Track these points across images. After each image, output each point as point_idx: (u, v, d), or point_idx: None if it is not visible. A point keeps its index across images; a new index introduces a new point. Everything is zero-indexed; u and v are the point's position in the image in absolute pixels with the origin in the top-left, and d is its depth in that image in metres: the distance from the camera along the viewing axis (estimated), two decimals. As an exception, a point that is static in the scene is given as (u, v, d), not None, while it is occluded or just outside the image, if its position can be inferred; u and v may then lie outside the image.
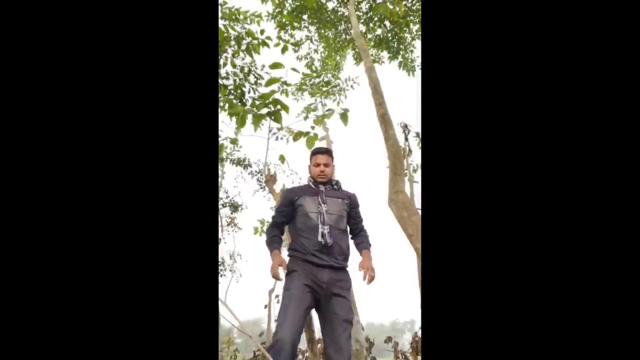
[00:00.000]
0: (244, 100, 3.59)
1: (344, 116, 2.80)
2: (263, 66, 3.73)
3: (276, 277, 1.88)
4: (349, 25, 6.94)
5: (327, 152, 2.14)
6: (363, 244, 2.09)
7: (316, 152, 2.14)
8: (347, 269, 1.99)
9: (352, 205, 2.10)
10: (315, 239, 1.88)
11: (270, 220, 2.24)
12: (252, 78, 3.66)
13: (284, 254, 2.01)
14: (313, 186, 2.07)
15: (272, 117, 2.63)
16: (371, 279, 1.92)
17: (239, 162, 7.87)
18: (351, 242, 2.09)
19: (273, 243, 2.03)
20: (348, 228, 2.09)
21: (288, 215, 2.06)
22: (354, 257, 2.03)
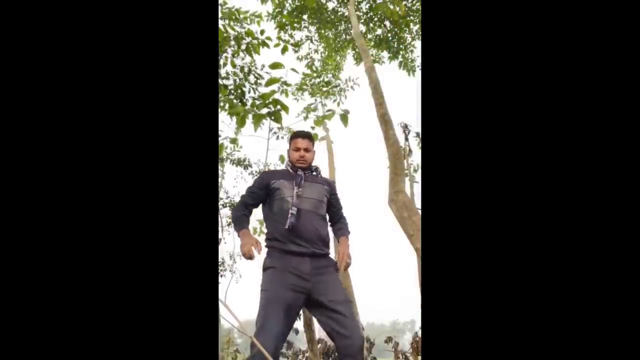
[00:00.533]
0: (244, 101, 3.60)
1: (344, 117, 2.80)
2: (263, 66, 3.73)
3: (249, 255, 1.72)
4: (349, 25, 6.95)
5: (308, 136, 2.01)
6: (342, 231, 2.01)
7: (296, 136, 2.01)
8: (330, 256, 1.88)
9: (331, 192, 2.01)
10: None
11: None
12: (252, 78, 3.66)
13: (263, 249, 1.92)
14: (291, 171, 1.97)
15: (272, 117, 2.63)
16: (346, 266, 1.86)
17: (239, 162, 7.87)
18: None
19: (241, 222, 1.88)
20: (327, 216, 2.01)
21: (258, 199, 1.95)
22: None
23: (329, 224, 2.01)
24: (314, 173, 2.01)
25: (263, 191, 1.94)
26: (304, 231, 1.78)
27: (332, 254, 1.91)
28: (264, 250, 1.83)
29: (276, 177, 1.94)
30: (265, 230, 1.96)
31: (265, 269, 1.79)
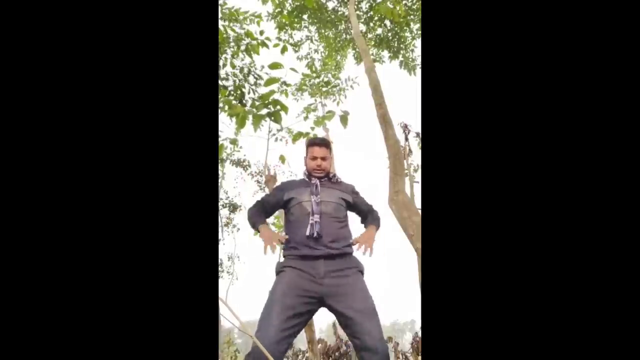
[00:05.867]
0: (244, 102, 3.60)
1: (343, 119, 2.80)
2: (262, 67, 3.73)
3: (272, 245, 1.69)
4: (349, 25, 6.95)
5: (325, 143, 1.95)
6: (367, 222, 1.96)
7: (313, 144, 1.95)
8: (353, 254, 1.81)
9: (352, 193, 1.97)
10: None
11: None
12: (251, 79, 3.66)
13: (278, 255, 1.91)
14: (307, 180, 1.94)
15: (272, 118, 2.63)
16: (366, 249, 1.76)
17: (238, 163, 7.87)
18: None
19: (257, 219, 1.88)
20: (359, 217, 1.98)
21: (271, 207, 1.94)
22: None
23: (349, 226, 1.94)
24: (332, 179, 1.96)
25: (276, 200, 1.92)
26: (322, 234, 1.74)
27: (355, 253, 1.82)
28: (275, 252, 1.79)
29: (292, 187, 1.92)
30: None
31: (277, 272, 1.75)
